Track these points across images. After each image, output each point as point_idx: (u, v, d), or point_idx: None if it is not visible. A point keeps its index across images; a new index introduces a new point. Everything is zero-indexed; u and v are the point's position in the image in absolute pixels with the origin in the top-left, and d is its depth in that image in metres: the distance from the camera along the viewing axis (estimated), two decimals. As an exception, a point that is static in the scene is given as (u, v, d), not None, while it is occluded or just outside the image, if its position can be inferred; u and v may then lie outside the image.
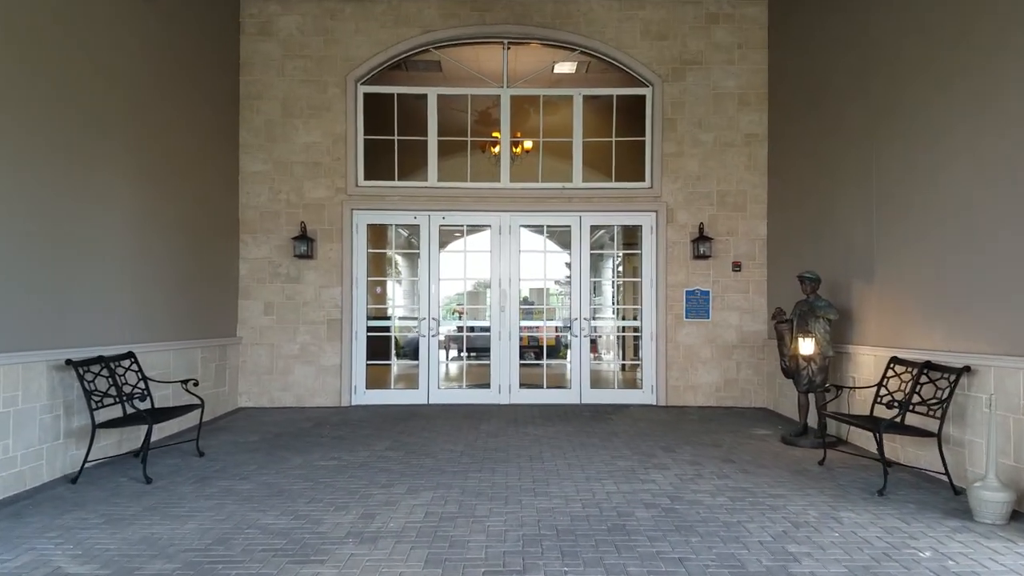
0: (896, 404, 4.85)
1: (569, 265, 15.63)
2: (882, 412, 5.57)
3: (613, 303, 11.56)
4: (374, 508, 4.48)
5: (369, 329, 9.03)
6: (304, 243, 8.71)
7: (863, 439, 6.23)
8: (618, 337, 10.23)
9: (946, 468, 4.77)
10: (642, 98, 9.06)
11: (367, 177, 9.05)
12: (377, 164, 9.19)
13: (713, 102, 8.85)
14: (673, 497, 4.68)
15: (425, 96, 9.07)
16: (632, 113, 9.20)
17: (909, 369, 5.36)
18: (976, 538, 3.83)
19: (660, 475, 5.28)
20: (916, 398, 5.04)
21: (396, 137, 9.10)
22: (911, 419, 5.18)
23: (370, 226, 9.14)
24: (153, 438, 6.61)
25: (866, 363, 6.24)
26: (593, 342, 9.36)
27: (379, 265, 10.36)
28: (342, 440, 6.71)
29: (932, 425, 4.92)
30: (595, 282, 9.24)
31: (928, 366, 5.11)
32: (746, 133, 8.82)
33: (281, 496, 4.80)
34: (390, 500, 4.67)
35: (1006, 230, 4.54)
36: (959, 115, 5.07)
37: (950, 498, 4.62)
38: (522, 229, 9.15)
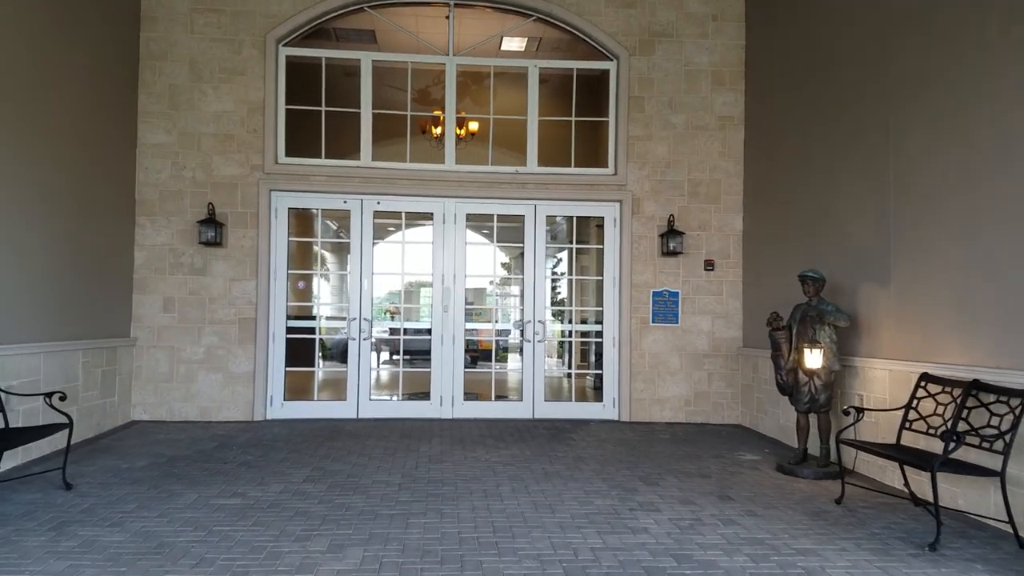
0: (952, 436, 3.92)
1: (506, 266, 14.71)
2: (910, 440, 4.74)
3: (552, 304, 10.62)
4: (283, 578, 3.30)
5: (290, 330, 7.72)
6: (212, 228, 7.33)
7: (874, 469, 5.39)
8: (565, 343, 9.26)
9: (1010, 516, 3.90)
10: (605, 74, 8.08)
11: (289, 153, 7.75)
12: (301, 139, 7.90)
13: (685, 80, 7.94)
14: (679, 556, 3.66)
15: (358, 63, 7.83)
16: (594, 92, 8.24)
17: (948, 389, 4.51)
18: (1085, 618, 2.98)
19: (651, 520, 4.27)
20: (963, 425, 4.19)
21: (324, 108, 7.82)
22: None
23: (292, 210, 7.82)
24: (17, 462, 5.27)
25: (879, 379, 5.41)
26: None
27: (303, 256, 9.05)
28: (250, 467, 5.44)
29: (986, 460, 4.08)
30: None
31: (976, 386, 4.27)
32: (720, 116, 7.96)
33: (160, 554, 3.56)
34: (306, 563, 3.49)
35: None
36: (1016, 82, 4.25)
37: (1017, 554, 3.77)
38: (461, 223, 7.97)
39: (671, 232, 7.76)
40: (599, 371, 8.08)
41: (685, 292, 7.89)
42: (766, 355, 6.35)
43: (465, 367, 7.95)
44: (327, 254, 11.05)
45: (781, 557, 3.67)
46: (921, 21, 5.11)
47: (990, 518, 4.13)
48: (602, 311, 8.02)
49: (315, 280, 8.67)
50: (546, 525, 4.11)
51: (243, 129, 7.55)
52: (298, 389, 7.99)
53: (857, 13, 5.92)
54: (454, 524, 4.11)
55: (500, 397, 8.41)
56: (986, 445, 4.00)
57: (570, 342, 9.11)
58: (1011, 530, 3.90)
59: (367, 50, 7.97)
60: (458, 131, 8.24)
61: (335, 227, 8.83)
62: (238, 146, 7.54)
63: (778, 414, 6.87)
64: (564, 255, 11.20)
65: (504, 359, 9.97)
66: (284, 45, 7.71)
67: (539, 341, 7.92)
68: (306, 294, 9.32)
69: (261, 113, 7.56)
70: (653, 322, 7.86)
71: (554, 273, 11.47)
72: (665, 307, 7.85)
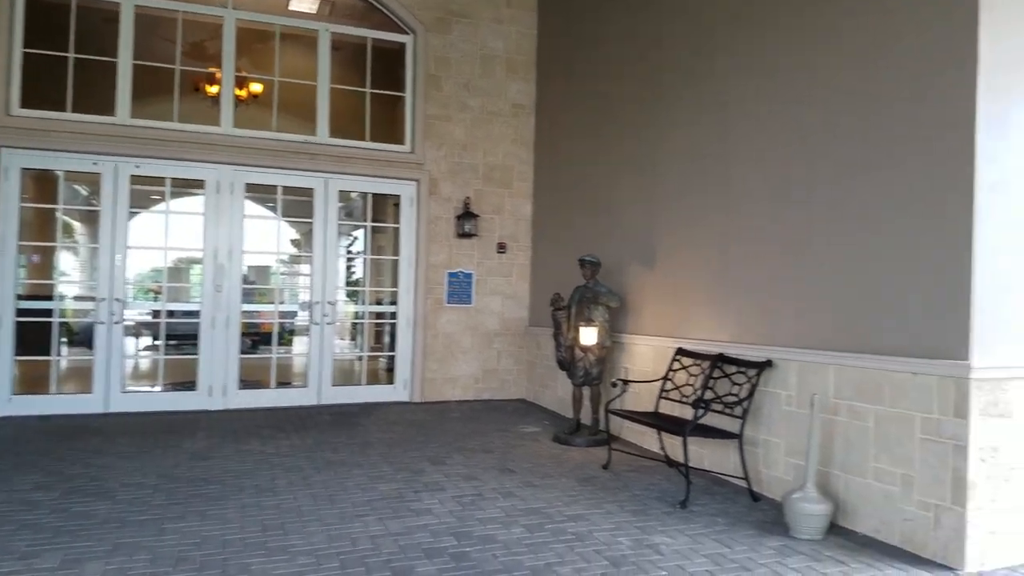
0: (701, 403, 4.35)
1: (296, 243, 13.86)
2: (667, 408, 5.17)
3: (347, 284, 10.22)
4: (-10, 610, 2.72)
5: (24, 312, 6.55)
6: (-91, 187, 5.93)
7: (637, 435, 5.84)
8: (359, 324, 8.95)
9: (746, 474, 4.40)
10: (402, 49, 7.83)
11: (25, 104, 6.52)
12: (41, 89, 6.71)
13: (481, 64, 7.96)
14: (459, 534, 3.62)
15: (117, 8, 6.78)
16: (391, 67, 7.93)
17: (699, 362, 4.99)
18: (808, 562, 3.37)
19: (435, 500, 4.20)
20: (710, 394, 4.64)
21: (72, 55, 6.68)
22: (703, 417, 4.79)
23: (28, 172, 6.63)
24: None
25: (643, 354, 5.86)
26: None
27: (43, 226, 7.71)
28: (-40, 478, 4.49)
29: (727, 424, 4.56)
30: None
31: (722, 359, 4.76)
32: (514, 103, 8.10)
33: None
34: (25, 588, 2.91)
35: (806, 217, 4.33)
36: (755, 89, 4.77)
37: (751, 506, 4.24)
38: (240, 193, 7.26)
39: (467, 214, 7.77)
40: (393, 353, 7.88)
41: (479, 274, 7.97)
42: (549, 333, 6.64)
43: (243, 352, 7.32)
44: (76, 224, 9.47)
45: (554, 525, 3.81)
46: (683, 30, 5.55)
47: (730, 476, 4.65)
48: (397, 291, 7.82)
49: (56, 254, 7.38)
50: (324, 517, 3.85)
51: (-37, 73, 6.21)
52: (32, 381, 6.81)
53: (631, 13, 6.29)
54: (218, 526, 3.69)
55: (283, 383, 7.87)
56: (728, 411, 4.49)
57: (363, 323, 8.79)
58: (746, 486, 4.41)
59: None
60: (238, 92, 7.49)
61: (86, 193, 7.59)
62: (-44, 92, 6.19)
63: (557, 388, 7.23)
64: (360, 233, 10.77)
65: (289, 343, 9.35)
66: (21, -22, 6.45)
67: (328, 323, 7.51)
68: (44, 270, 7.93)
69: (-12, 54, 6.26)
70: (448, 303, 7.85)
71: (348, 252, 11.00)
72: (460, 288, 7.87)
